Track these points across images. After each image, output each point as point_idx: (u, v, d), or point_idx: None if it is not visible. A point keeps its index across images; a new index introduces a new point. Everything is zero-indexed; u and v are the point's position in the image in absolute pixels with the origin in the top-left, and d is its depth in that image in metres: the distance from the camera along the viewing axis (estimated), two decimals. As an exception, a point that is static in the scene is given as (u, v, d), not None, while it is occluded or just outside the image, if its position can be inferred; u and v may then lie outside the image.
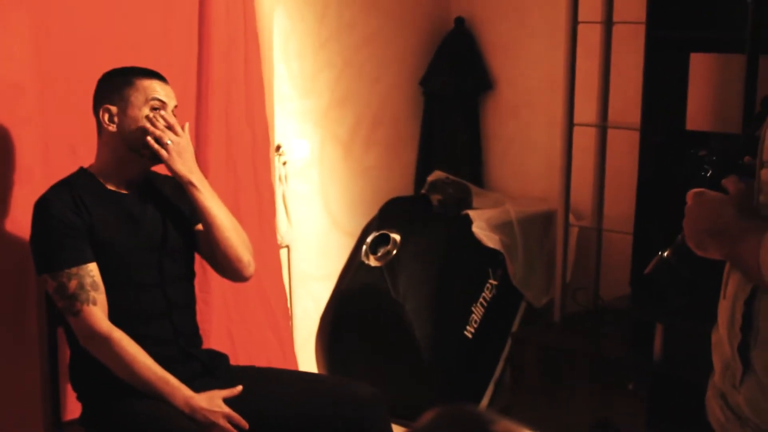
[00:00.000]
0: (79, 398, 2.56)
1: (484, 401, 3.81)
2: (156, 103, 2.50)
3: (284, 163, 3.71)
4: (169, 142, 2.48)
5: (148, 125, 2.47)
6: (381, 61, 4.18)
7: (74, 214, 2.41)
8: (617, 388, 3.26)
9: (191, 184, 2.54)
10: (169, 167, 2.52)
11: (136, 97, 2.49)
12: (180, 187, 2.63)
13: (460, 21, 4.31)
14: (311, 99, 3.87)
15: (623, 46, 3.68)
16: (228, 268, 2.66)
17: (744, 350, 1.47)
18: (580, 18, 3.55)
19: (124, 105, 2.49)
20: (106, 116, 2.49)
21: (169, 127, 2.51)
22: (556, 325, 3.75)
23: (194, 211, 2.61)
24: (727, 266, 1.57)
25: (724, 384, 1.54)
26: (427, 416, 1.07)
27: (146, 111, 2.49)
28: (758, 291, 1.45)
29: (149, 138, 2.47)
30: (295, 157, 3.79)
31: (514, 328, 3.90)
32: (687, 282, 1.66)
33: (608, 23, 3.64)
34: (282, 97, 3.68)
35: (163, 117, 2.50)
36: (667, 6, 3.23)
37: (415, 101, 4.36)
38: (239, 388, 2.52)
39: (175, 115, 2.56)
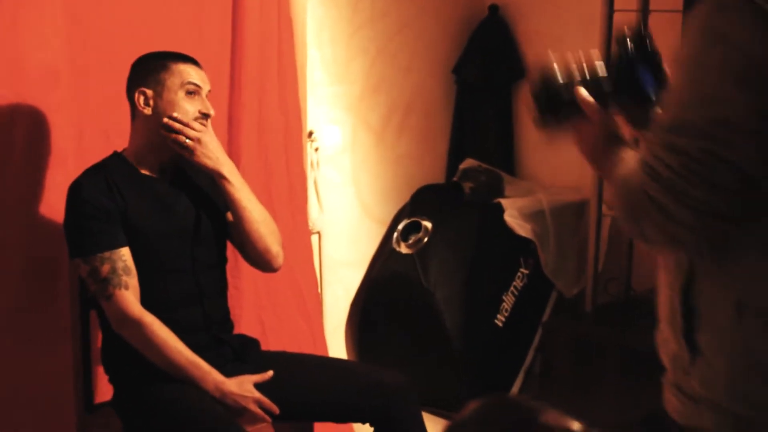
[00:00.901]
0: (110, 381, 2.57)
1: (514, 390, 3.80)
2: (191, 87, 2.51)
3: (316, 150, 3.71)
4: (188, 141, 2.48)
5: (165, 132, 2.48)
6: (414, 50, 4.17)
7: (107, 199, 2.42)
8: (648, 380, 3.24)
9: (221, 175, 2.55)
10: (196, 164, 2.52)
11: (172, 81, 2.49)
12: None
13: (494, 9, 4.29)
14: (344, 86, 3.87)
15: (660, 34, 3.62)
16: (257, 258, 2.67)
17: (689, 335, 1.50)
18: (616, 6, 3.52)
19: (159, 88, 2.49)
20: (142, 99, 2.50)
21: (205, 116, 2.51)
22: (587, 316, 3.73)
23: (225, 200, 2.62)
24: (656, 264, 1.64)
25: (676, 376, 1.56)
26: (472, 406, 1.06)
27: (181, 95, 2.49)
28: (695, 275, 1.47)
29: (170, 142, 2.48)
30: (327, 144, 3.79)
31: (545, 317, 3.89)
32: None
33: (644, 12, 3.60)
34: (315, 84, 3.68)
35: (176, 119, 2.50)
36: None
37: (447, 90, 4.35)
38: (270, 373, 2.52)
39: (209, 100, 2.56)
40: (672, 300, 1.53)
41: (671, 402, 1.60)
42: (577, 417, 1.04)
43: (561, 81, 1.78)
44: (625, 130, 1.71)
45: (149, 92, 2.49)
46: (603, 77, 1.74)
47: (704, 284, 1.47)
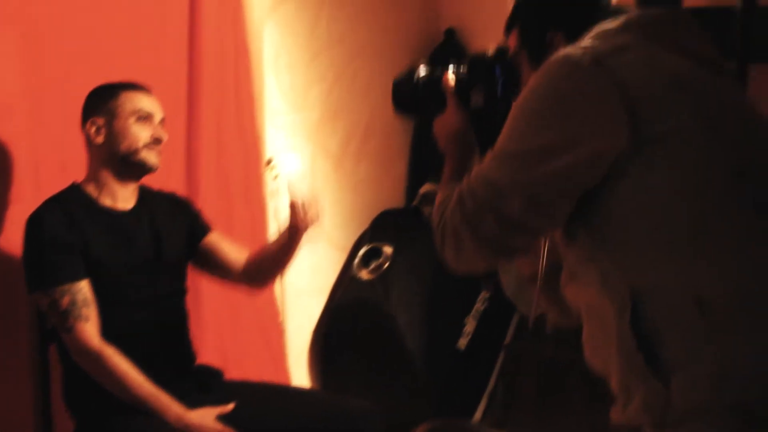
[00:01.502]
0: (72, 414, 2.54)
1: (478, 414, 3.79)
2: (142, 114, 2.52)
3: (275, 177, 3.69)
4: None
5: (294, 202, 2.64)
6: (371, 74, 4.17)
7: (66, 231, 2.40)
8: (610, 400, 3.25)
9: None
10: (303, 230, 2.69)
11: (123, 109, 2.50)
12: (174, 202, 2.66)
13: (450, 32, 4.31)
14: (302, 112, 3.86)
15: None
16: (261, 281, 2.82)
17: (653, 364, 1.47)
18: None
19: (110, 117, 2.50)
20: (93, 129, 2.50)
21: (157, 141, 2.51)
22: (549, 338, 3.73)
23: (198, 227, 2.69)
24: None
25: (654, 418, 1.52)
26: (420, 430, 1.08)
27: (132, 121, 2.50)
28: (641, 293, 1.47)
29: (291, 209, 2.65)
30: (286, 171, 3.78)
31: (507, 340, 3.89)
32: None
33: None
34: (273, 111, 3.67)
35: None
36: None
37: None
38: (231, 405, 2.51)
39: (163, 128, 2.57)
40: (622, 339, 1.48)
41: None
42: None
43: (422, 74, 1.95)
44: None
45: (100, 121, 2.49)
46: (464, 72, 1.89)
47: (656, 296, 1.46)
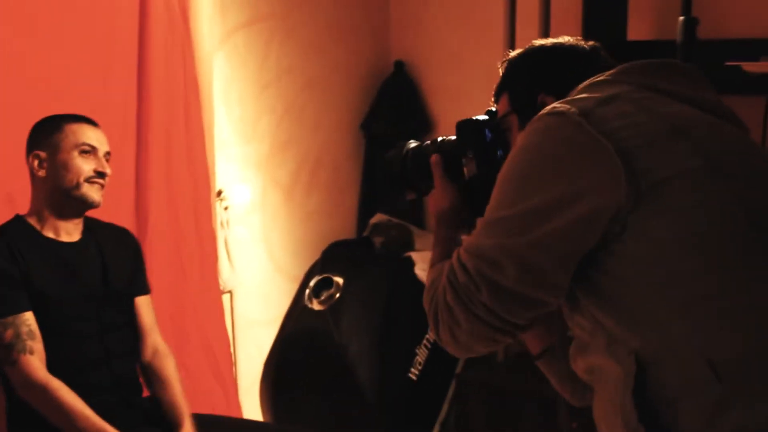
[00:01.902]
0: (17, 449, 2.51)
1: (430, 444, 3.80)
2: (86, 147, 2.49)
3: (226, 209, 3.70)
4: None
5: None
6: (322, 106, 4.19)
7: (9, 263, 2.38)
8: (561, 428, 3.28)
9: None
10: None
11: (66, 142, 2.48)
12: (120, 234, 2.65)
13: (399, 64, 4.35)
14: (252, 144, 3.87)
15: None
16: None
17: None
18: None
19: (52, 150, 2.48)
20: (36, 162, 2.49)
21: (100, 175, 2.50)
22: (500, 366, 3.76)
23: (140, 279, 2.69)
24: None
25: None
26: None
27: (75, 154, 2.48)
28: (651, 362, 1.37)
29: None
30: (236, 202, 3.78)
31: (459, 369, 3.90)
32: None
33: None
34: (223, 143, 3.68)
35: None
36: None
37: (356, 144, 4.38)
38: None
39: (108, 161, 2.55)
40: (624, 410, 1.38)
41: None
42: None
43: (410, 149, 1.90)
44: None
45: (43, 155, 2.47)
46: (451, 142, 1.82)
47: (666, 361, 1.35)
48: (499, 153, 1.74)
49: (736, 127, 1.55)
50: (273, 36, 3.91)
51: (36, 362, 2.36)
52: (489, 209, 1.48)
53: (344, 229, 4.35)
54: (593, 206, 1.37)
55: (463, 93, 4.21)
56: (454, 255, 1.51)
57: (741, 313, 1.33)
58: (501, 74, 1.77)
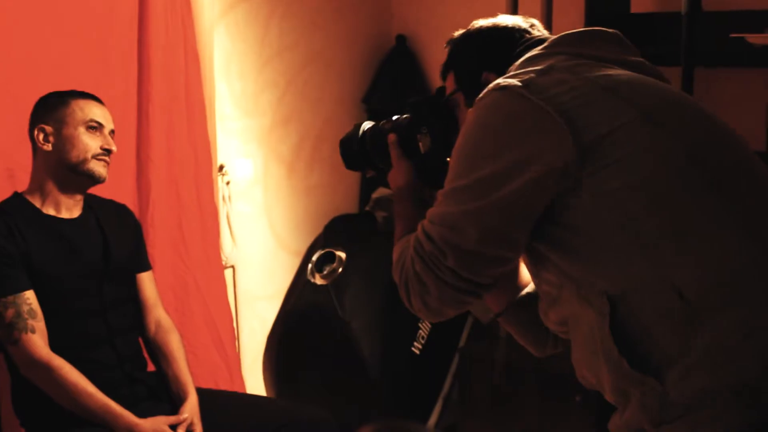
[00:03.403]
0: (22, 425, 2.52)
1: (433, 418, 3.80)
2: (93, 124, 2.49)
3: (227, 183, 3.69)
4: None
5: None
6: (323, 80, 4.18)
7: (8, 241, 2.37)
8: (565, 401, 3.28)
9: None
10: None
11: (73, 117, 2.47)
12: (120, 210, 2.64)
13: (401, 39, 4.33)
14: (254, 118, 3.85)
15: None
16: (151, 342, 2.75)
17: (643, 365, 1.44)
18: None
19: (59, 125, 2.47)
20: (41, 136, 2.48)
21: (107, 152, 2.49)
22: (503, 341, 3.76)
23: (140, 256, 2.69)
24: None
25: (653, 417, 1.47)
26: (364, 431, 1.07)
27: (82, 130, 2.48)
28: (617, 298, 1.46)
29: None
30: (238, 177, 3.77)
31: (462, 343, 3.91)
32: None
33: (548, 39, 3.66)
34: (224, 117, 3.66)
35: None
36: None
37: (358, 119, 4.34)
38: (185, 416, 2.49)
39: (113, 139, 2.55)
40: (605, 348, 1.45)
41: None
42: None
43: (366, 129, 1.97)
44: None
45: (48, 128, 2.47)
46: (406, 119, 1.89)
47: (636, 296, 1.43)
48: (448, 131, 1.81)
49: (662, 81, 1.66)
50: (274, 10, 3.88)
51: (38, 341, 2.36)
52: (447, 181, 1.57)
53: (346, 203, 4.34)
54: (543, 166, 1.47)
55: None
56: (419, 226, 1.60)
57: (695, 242, 1.43)
58: (446, 54, 1.89)
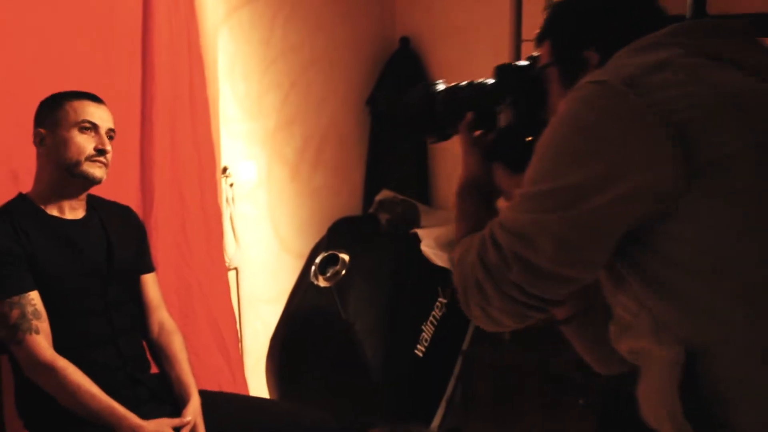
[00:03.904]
0: (26, 426, 2.51)
1: (436, 420, 3.80)
2: (86, 125, 2.48)
3: (231, 185, 3.69)
4: None
5: None
6: (327, 82, 4.18)
7: (13, 242, 2.37)
8: (568, 404, 3.28)
9: None
10: None
11: (66, 119, 2.47)
12: (124, 211, 2.64)
13: (405, 41, 4.33)
14: (258, 121, 3.85)
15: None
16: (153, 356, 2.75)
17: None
18: (524, 36, 3.57)
19: (53, 127, 2.47)
20: (38, 140, 2.48)
21: (101, 152, 2.48)
22: (506, 343, 3.76)
23: (144, 257, 2.69)
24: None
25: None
26: None
27: (75, 132, 2.46)
28: (705, 354, 1.30)
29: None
30: (242, 179, 3.77)
31: (465, 346, 3.90)
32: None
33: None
34: (228, 119, 3.66)
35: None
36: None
37: (362, 121, 4.36)
38: (188, 419, 2.49)
39: (111, 138, 2.53)
40: (672, 403, 1.30)
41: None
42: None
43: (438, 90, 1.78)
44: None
45: (44, 131, 2.47)
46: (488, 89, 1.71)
47: (719, 354, 1.27)
48: (534, 105, 1.62)
49: None
50: (278, 12, 3.89)
51: (42, 342, 2.36)
52: (526, 180, 1.39)
53: (350, 205, 4.34)
54: (636, 185, 1.27)
55: (467, 69, 4.18)
56: (487, 229, 1.43)
57: None
58: (545, 17, 1.61)
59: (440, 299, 3.81)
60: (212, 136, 3.41)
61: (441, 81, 1.80)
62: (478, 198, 1.66)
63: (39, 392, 2.39)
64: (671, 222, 1.28)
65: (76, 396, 2.35)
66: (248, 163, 3.82)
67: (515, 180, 1.56)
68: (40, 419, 2.46)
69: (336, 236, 3.93)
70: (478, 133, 1.72)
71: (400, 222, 3.95)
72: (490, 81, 1.70)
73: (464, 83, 1.75)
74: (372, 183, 4.37)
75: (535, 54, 1.64)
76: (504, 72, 1.67)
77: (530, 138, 1.55)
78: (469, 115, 1.68)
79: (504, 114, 1.64)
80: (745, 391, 1.25)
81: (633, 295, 1.37)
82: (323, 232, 4.00)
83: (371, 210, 4.11)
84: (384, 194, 4.17)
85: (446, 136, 1.78)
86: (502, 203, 1.64)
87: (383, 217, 3.98)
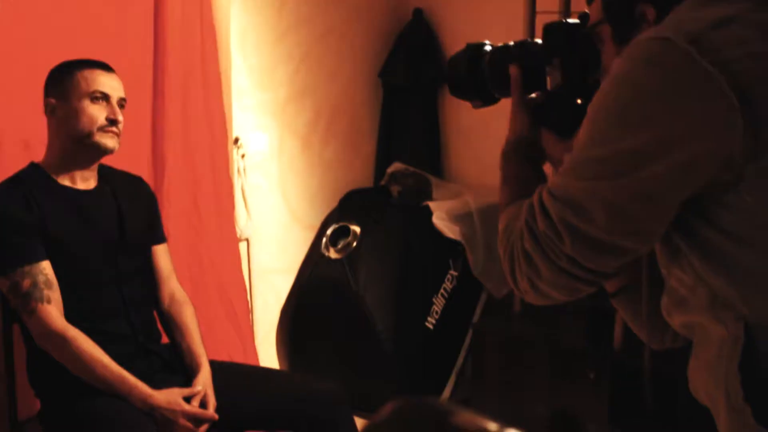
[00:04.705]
0: (37, 395, 2.53)
1: (446, 392, 3.81)
2: (97, 95, 2.47)
3: (242, 156, 3.69)
4: None
5: None
6: (339, 54, 4.16)
7: (25, 211, 2.38)
8: (578, 377, 3.28)
9: None
10: None
11: (77, 89, 2.45)
12: (135, 182, 2.65)
13: (418, 12, 4.30)
14: (269, 92, 3.84)
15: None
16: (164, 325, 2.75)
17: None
18: (538, 8, 3.55)
19: (64, 97, 2.46)
20: (49, 110, 2.48)
21: (112, 122, 2.47)
22: (517, 316, 3.75)
23: (156, 228, 2.70)
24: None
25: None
26: (387, 409, 1.06)
27: (86, 102, 2.45)
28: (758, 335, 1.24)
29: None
30: (253, 150, 3.77)
31: (475, 318, 3.91)
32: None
33: (566, 14, 3.63)
34: (240, 91, 3.66)
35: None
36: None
37: (373, 93, 4.35)
38: (198, 389, 2.50)
39: (122, 107, 2.52)
40: (729, 384, 1.25)
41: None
42: (509, 415, 1.03)
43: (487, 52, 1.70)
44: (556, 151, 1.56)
45: (54, 101, 2.46)
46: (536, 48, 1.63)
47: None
48: (585, 66, 1.55)
49: None
50: (290, -18, 3.87)
51: (53, 311, 2.37)
52: (579, 145, 1.32)
53: (361, 177, 4.34)
54: (699, 152, 1.20)
55: (482, 40, 4.15)
56: (536, 196, 1.36)
57: None
58: None
59: (451, 272, 3.81)
60: (224, 108, 3.40)
61: (487, 42, 1.74)
62: (525, 162, 1.58)
63: (50, 361, 2.40)
64: (733, 192, 1.22)
65: (87, 365, 2.36)
66: (260, 135, 3.81)
67: (563, 146, 1.49)
68: (51, 388, 2.48)
69: (347, 208, 3.93)
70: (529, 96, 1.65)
71: (411, 194, 3.95)
72: (539, 41, 1.62)
73: (512, 43, 1.67)
74: (383, 155, 4.36)
75: (585, 12, 1.55)
76: (552, 31, 1.58)
77: (580, 101, 1.49)
78: (516, 71, 1.59)
79: (552, 76, 1.57)
80: None
81: (690, 268, 1.31)
82: (334, 203, 4.00)
83: (383, 182, 4.10)
84: (395, 166, 4.16)
85: (493, 100, 1.72)
86: (549, 169, 1.57)
87: (395, 190, 3.97)
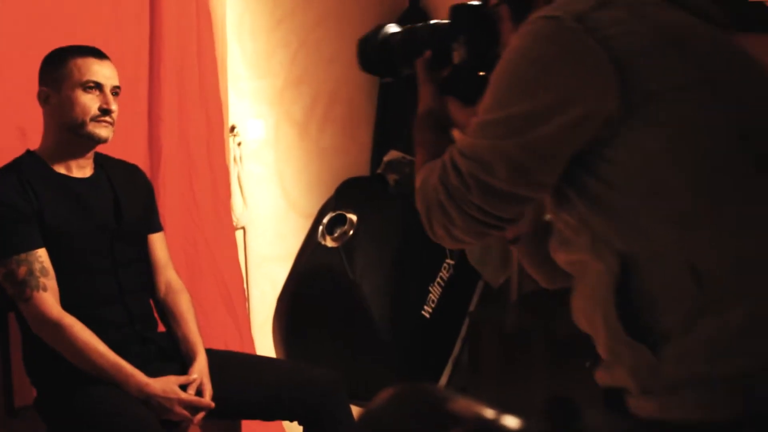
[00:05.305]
0: (33, 383, 2.53)
1: (443, 381, 3.81)
2: (90, 84, 2.45)
3: (239, 144, 3.68)
4: None
5: None
6: (336, 41, 4.14)
7: (21, 199, 2.37)
8: (574, 366, 3.27)
9: None
10: None
11: (70, 78, 2.44)
12: (131, 170, 2.63)
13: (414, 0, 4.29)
14: (266, 79, 3.83)
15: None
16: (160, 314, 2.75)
17: (642, 334, 1.42)
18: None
19: (57, 86, 2.45)
20: (43, 98, 2.47)
21: (105, 112, 2.46)
22: (513, 305, 3.75)
23: (152, 216, 2.70)
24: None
25: (639, 384, 1.46)
26: (384, 395, 1.06)
27: (79, 91, 2.44)
28: (632, 266, 1.41)
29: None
30: (249, 138, 3.76)
31: (472, 307, 3.91)
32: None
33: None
34: (236, 77, 3.64)
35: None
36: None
37: (370, 81, 4.34)
38: (194, 377, 2.50)
39: (116, 95, 2.51)
40: (605, 307, 1.42)
41: (643, 407, 1.45)
42: (505, 403, 1.04)
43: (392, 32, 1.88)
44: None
45: (48, 90, 2.45)
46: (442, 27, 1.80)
47: (649, 265, 1.38)
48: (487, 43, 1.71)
49: (736, 41, 1.54)
50: (287, -31, 3.86)
51: (49, 299, 2.36)
52: (482, 109, 1.50)
53: (358, 166, 4.33)
54: (582, 113, 1.39)
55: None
56: (447, 155, 1.54)
57: (723, 224, 1.36)
58: None
59: (447, 260, 3.81)
60: (220, 95, 3.40)
61: (394, 24, 1.92)
62: (435, 129, 1.78)
63: (46, 349, 2.40)
64: (611, 147, 1.40)
65: (83, 353, 2.36)
66: (256, 122, 3.80)
67: (467, 112, 1.66)
68: (48, 376, 2.48)
69: (344, 196, 3.92)
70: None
71: (408, 183, 3.94)
72: (446, 21, 1.79)
73: (420, 24, 1.85)
74: (380, 143, 4.35)
75: None
76: (458, 11, 1.75)
77: (482, 73, 1.65)
78: (428, 53, 1.79)
79: (458, 51, 1.74)
80: (672, 298, 1.36)
81: (576, 213, 1.48)
82: (331, 191, 3.99)
83: (379, 170, 4.09)
84: (392, 155, 4.15)
85: (402, 76, 1.90)
86: (456, 133, 1.76)
87: (391, 178, 3.97)
